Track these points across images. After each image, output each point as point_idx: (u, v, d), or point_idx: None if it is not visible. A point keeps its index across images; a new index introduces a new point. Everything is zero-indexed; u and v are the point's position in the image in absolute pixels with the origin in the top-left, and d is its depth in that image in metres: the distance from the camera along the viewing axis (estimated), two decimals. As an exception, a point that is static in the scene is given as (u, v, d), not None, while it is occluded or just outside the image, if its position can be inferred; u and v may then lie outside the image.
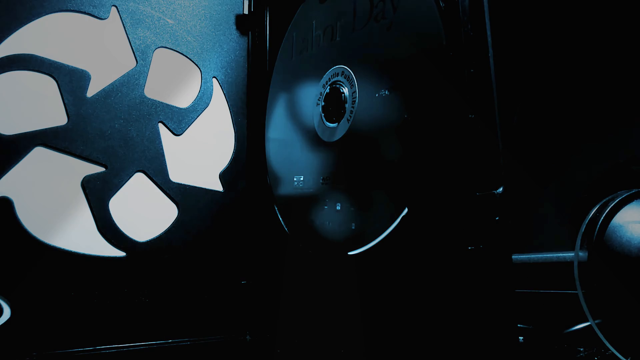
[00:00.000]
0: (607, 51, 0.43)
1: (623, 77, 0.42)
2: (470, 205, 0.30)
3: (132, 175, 0.44)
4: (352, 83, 0.40)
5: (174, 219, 0.46)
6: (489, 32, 0.31)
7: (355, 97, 0.40)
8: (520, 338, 0.39)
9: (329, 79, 0.43)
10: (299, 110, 0.46)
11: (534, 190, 0.47)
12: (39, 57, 0.40)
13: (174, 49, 0.48)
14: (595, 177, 0.42)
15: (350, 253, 0.38)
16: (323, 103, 0.43)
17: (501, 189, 0.29)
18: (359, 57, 0.40)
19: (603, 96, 0.43)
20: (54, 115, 0.40)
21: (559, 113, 0.46)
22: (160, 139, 0.46)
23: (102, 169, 0.42)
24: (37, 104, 0.40)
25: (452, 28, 0.32)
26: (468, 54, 0.31)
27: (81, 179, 0.41)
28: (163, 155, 0.46)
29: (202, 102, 0.49)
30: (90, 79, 0.42)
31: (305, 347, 0.42)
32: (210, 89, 0.50)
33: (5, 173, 0.38)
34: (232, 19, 0.52)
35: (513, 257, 0.30)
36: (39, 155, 0.39)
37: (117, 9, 0.45)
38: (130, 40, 0.45)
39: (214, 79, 0.50)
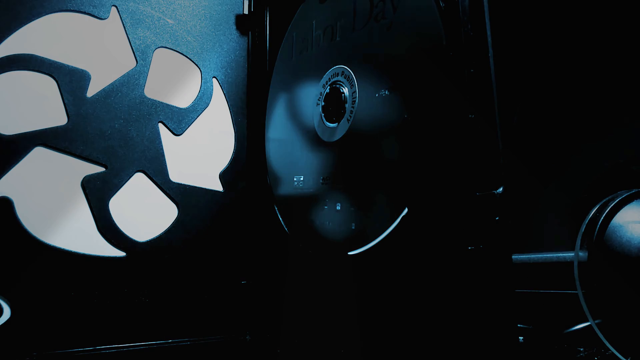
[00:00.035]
0: (607, 51, 0.43)
1: (623, 77, 0.42)
2: (470, 205, 0.30)
3: (132, 175, 0.44)
4: (352, 83, 0.40)
5: (174, 219, 0.46)
6: (489, 32, 0.31)
7: (355, 97, 0.40)
8: (520, 338, 0.39)
9: (329, 79, 0.43)
10: (299, 110, 0.46)
11: (534, 190, 0.47)
12: (39, 57, 0.40)
13: (174, 49, 0.48)
14: (595, 177, 0.42)
15: (350, 253, 0.38)
16: (323, 103, 0.43)
17: (501, 189, 0.29)
18: (359, 57, 0.40)
19: (603, 96, 0.43)
20: (54, 115, 0.40)
21: (559, 113, 0.46)
22: (160, 139, 0.46)
23: (102, 169, 0.42)
24: (37, 104, 0.40)
25: (452, 28, 0.32)
26: (468, 54, 0.31)
27: (81, 179, 0.41)
28: (163, 155, 0.46)
29: (202, 102, 0.49)
30: (90, 79, 0.42)
31: (305, 347, 0.42)
32: (210, 89, 0.50)
33: (5, 173, 0.38)
34: (232, 19, 0.52)
35: (513, 257, 0.30)
36: (39, 155, 0.39)
37: (117, 9, 0.45)
38: (130, 40, 0.45)
39: (214, 79, 0.50)
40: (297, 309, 0.44)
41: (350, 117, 0.40)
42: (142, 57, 0.45)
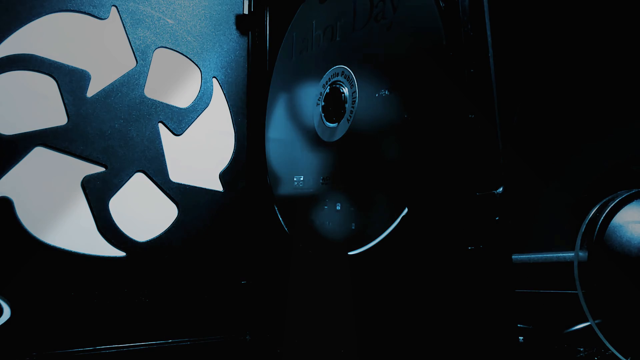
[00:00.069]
0: (607, 51, 0.43)
1: (623, 77, 0.42)
2: (470, 205, 0.30)
3: (132, 175, 0.44)
4: (352, 83, 0.40)
5: (174, 219, 0.46)
6: (489, 32, 0.31)
7: (355, 97, 0.40)
8: (520, 338, 0.39)
9: (329, 79, 0.43)
10: (299, 110, 0.46)
11: (534, 190, 0.47)
12: (39, 57, 0.40)
13: (174, 49, 0.48)
14: (595, 177, 0.42)
15: (350, 253, 0.38)
16: (323, 103, 0.43)
17: (501, 189, 0.29)
18: (359, 57, 0.40)
19: (603, 96, 0.43)
20: (54, 115, 0.40)
21: (559, 113, 0.46)
22: (160, 139, 0.46)
23: (102, 169, 0.42)
24: (37, 104, 0.40)
25: (452, 28, 0.32)
26: (468, 54, 0.31)
27: (81, 179, 0.41)
28: (163, 155, 0.46)
29: (202, 102, 0.49)
30: (90, 79, 0.42)
31: (305, 347, 0.42)
32: (210, 89, 0.50)
33: (5, 173, 0.38)
34: (232, 19, 0.52)
35: (513, 257, 0.30)
36: (39, 155, 0.39)
37: (117, 9, 0.45)
38: (130, 40, 0.45)
39: (214, 79, 0.50)
40: (297, 309, 0.44)
41: (350, 117, 0.40)
42: (142, 57, 0.45)
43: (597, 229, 0.33)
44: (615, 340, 0.32)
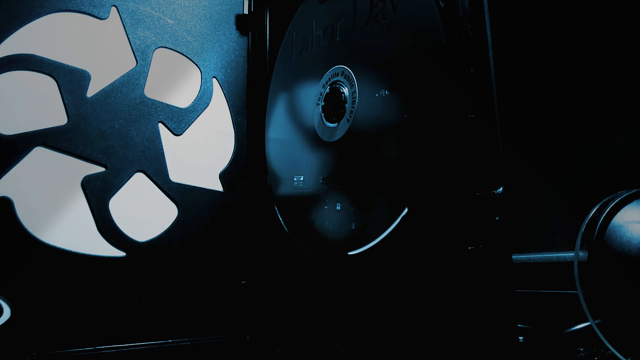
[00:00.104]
0: (607, 51, 0.43)
1: (623, 77, 0.42)
2: (470, 205, 0.30)
3: (132, 175, 0.44)
4: (352, 83, 0.40)
5: (174, 219, 0.46)
6: (489, 32, 0.31)
7: (355, 97, 0.40)
8: (520, 338, 0.39)
9: (329, 79, 0.43)
10: (299, 110, 0.46)
11: (534, 190, 0.47)
12: (39, 57, 0.40)
13: (174, 49, 0.48)
14: (595, 177, 0.42)
15: (350, 253, 0.38)
16: (323, 103, 0.43)
17: (501, 189, 0.29)
18: (359, 57, 0.40)
19: (603, 96, 0.43)
20: (54, 115, 0.40)
21: (559, 113, 0.46)
22: (160, 139, 0.46)
23: (102, 169, 0.42)
24: (37, 104, 0.40)
25: (452, 28, 0.32)
26: (468, 54, 0.31)
27: (81, 179, 0.41)
28: (163, 155, 0.46)
29: (202, 102, 0.49)
30: (90, 79, 0.42)
31: (305, 347, 0.42)
32: (210, 89, 0.50)
33: (5, 173, 0.38)
34: (232, 19, 0.52)
35: (513, 257, 0.30)
36: (39, 155, 0.39)
37: (117, 9, 0.45)
38: (130, 40, 0.45)
39: (214, 79, 0.50)
40: (297, 309, 0.44)
41: (350, 117, 0.40)
42: (142, 57, 0.45)
43: (597, 229, 0.33)
44: (615, 340, 0.32)
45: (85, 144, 0.41)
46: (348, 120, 0.40)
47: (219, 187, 0.49)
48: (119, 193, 0.43)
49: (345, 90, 0.41)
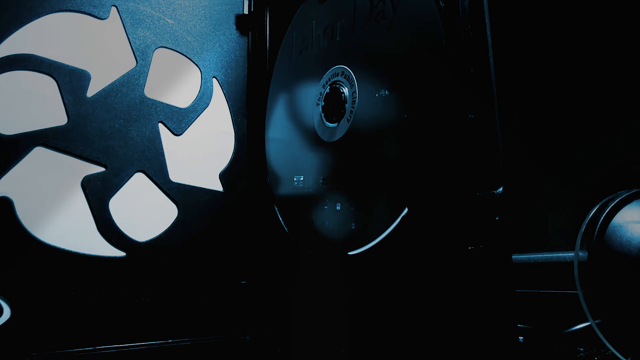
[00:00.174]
0: (607, 51, 0.43)
1: (623, 77, 0.42)
2: (470, 205, 0.30)
3: (132, 175, 0.44)
4: (352, 83, 0.40)
5: (174, 219, 0.46)
6: (489, 32, 0.31)
7: (355, 97, 0.40)
8: (520, 338, 0.39)
9: (329, 79, 0.43)
10: (299, 110, 0.46)
11: (534, 190, 0.47)
12: (39, 57, 0.40)
13: (174, 49, 0.48)
14: (595, 177, 0.42)
15: (350, 253, 0.38)
16: (323, 103, 0.43)
17: (501, 189, 0.29)
18: (359, 57, 0.40)
19: (603, 96, 0.43)
20: (54, 115, 0.40)
21: (559, 113, 0.46)
22: (160, 139, 0.46)
23: (102, 169, 0.42)
24: (37, 104, 0.40)
25: (452, 28, 0.32)
26: (468, 54, 0.31)
27: (81, 179, 0.41)
28: (163, 155, 0.46)
29: (202, 102, 0.49)
30: (90, 79, 0.42)
31: (305, 347, 0.42)
32: (210, 89, 0.50)
33: (5, 173, 0.38)
34: (232, 19, 0.52)
35: (513, 257, 0.30)
36: (39, 155, 0.39)
37: (117, 9, 0.45)
38: (130, 40, 0.45)
39: (214, 79, 0.50)
40: (297, 309, 0.44)
41: (350, 117, 0.40)
42: (142, 57, 0.45)
43: (597, 229, 0.33)
44: (615, 340, 0.32)
45: (85, 144, 0.41)
46: (348, 120, 0.40)
47: (219, 187, 0.49)
48: (119, 193, 0.43)
49: (345, 90, 0.41)
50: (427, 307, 0.32)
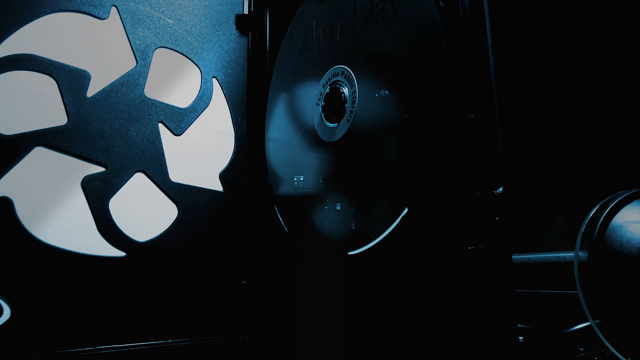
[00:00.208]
0: (607, 51, 0.43)
1: (623, 77, 0.42)
2: (470, 205, 0.30)
3: (132, 175, 0.44)
4: (352, 83, 0.40)
5: (174, 219, 0.46)
6: (489, 32, 0.31)
7: (355, 97, 0.40)
8: (520, 338, 0.39)
9: (329, 79, 0.43)
10: (299, 110, 0.46)
11: (534, 190, 0.47)
12: (39, 57, 0.40)
13: (174, 49, 0.48)
14: (595, 177, 0.42)
15: (350, 253, 0.38)
16: (323, 103, 0.43)
17: (501, 189, 0.29)
18: (359, 57, 0.40)
19: (603, 96, 0.43)
20: (54, 115, 0.40)
21: (559, 113, 0.46)
22: (160, 139, 0.46)
23: (102, 169, 0.42)
24: (37, 104, 0.40)
25: (452, 28, 0.32)
26: (468, 54, 0.31)
27: (81, 179, 0.41)
28: (163, 155, 0.46)
29: (202, 102, 0.49)
30: (90, 79, 0.42)
31: (305, 347, 0.42)
32: (210, 89, 0.50)
33: (5, 173, 0.38)
34: (232, 19, 0.52)
35: (513, 257, 0.30)
36: (39, 155, 0.39)
37: (117, 9, 0.45)
38: (130, 40, 0.45)
39: (214, 79, 0.50)
40: (297, 309, 0.44)
41: (350, 117, 0.40)
42: (142, 57, 0.45)
43: (597, 229, 0.33)
44: (615, 340, 0.32)
45: (85, 144, 0.41)
46: (348, 120, 0.40)
47: (219, 187, 0.49)
48: (119, 193, 0.43)
49: (345, 90, 0.41)
50: (427, 307, 0.32)
